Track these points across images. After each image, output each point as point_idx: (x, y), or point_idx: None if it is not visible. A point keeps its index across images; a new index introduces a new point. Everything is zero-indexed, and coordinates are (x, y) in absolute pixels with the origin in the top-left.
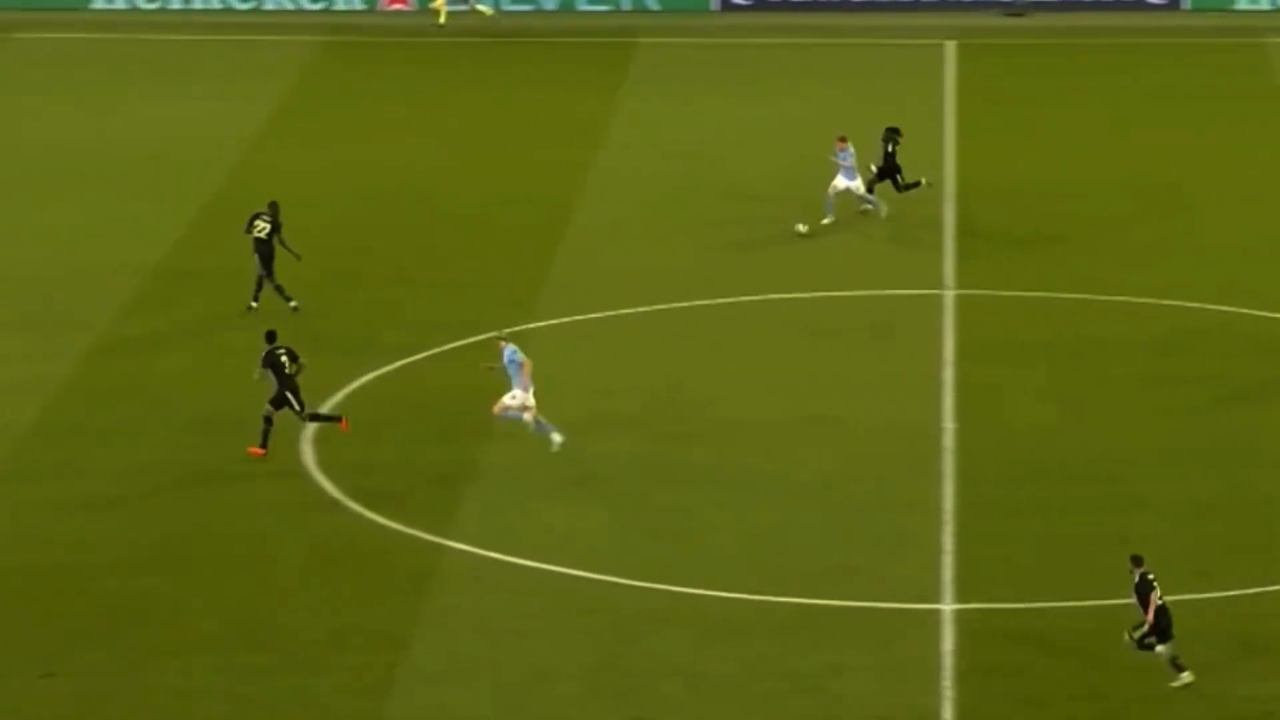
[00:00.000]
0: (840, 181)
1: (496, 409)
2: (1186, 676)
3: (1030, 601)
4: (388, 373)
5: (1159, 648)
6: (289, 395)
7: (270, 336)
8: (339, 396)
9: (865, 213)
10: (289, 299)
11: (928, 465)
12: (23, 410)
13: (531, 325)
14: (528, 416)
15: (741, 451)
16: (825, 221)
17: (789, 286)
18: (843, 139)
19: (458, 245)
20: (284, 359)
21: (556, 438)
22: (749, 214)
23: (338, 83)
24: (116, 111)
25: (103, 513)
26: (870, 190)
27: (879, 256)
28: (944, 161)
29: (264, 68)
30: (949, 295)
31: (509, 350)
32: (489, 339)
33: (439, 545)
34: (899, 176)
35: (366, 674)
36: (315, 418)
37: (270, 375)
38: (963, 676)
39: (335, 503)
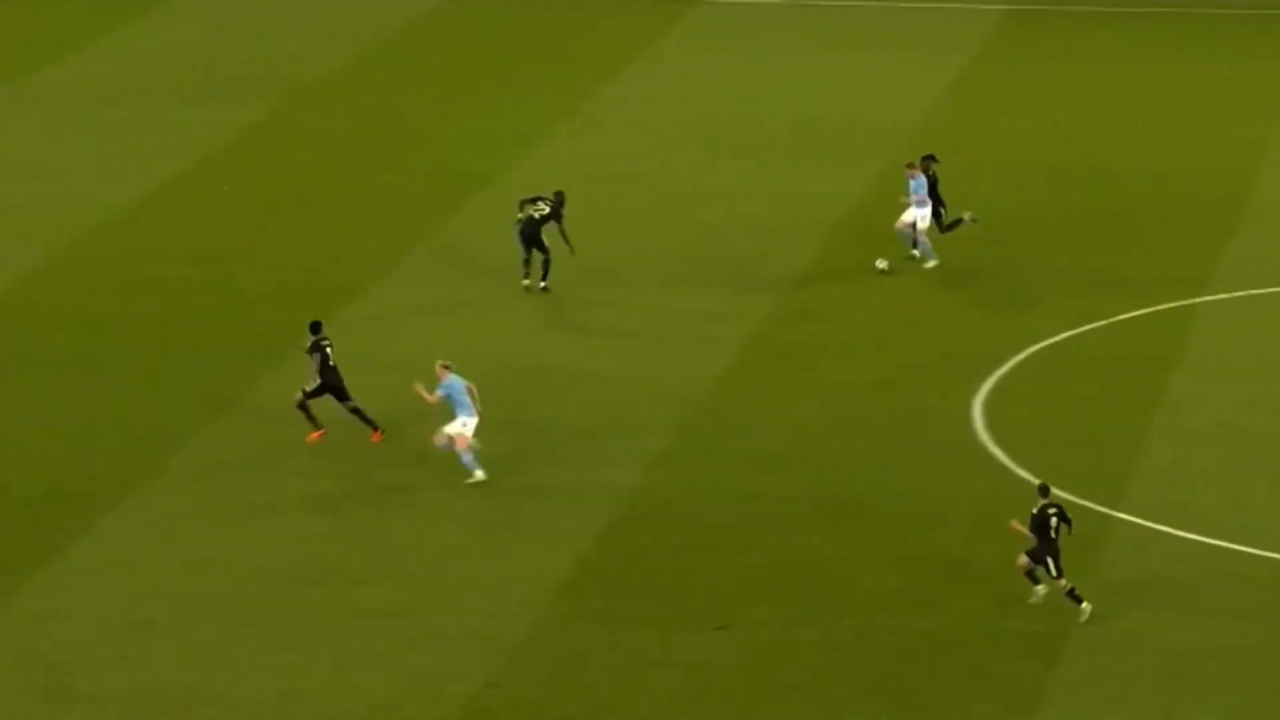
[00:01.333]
0: (910, 214)
1: (439, 440)
2: (1041, 590)
3: None
4: (1058, 341)
5: (1039, 573)
6: (328, 387)
7: (315, 327)
8: (1008, 366)
9: (911, 257)
10: (528, 279)
11: None
12: (706, 366)
13: (1204, 299)
14: (459, 445)
15: None
16: (912, 254)
17: None
18: (911, 166)
19: (1133, 216)
20: (329, 349)
21: (479, 474)
22: None
23: (1021, 51)
24: (805, 76)
25: (778, 470)
26: (945, 227)
27: None
28: None
29: (950, 35)
30: None
31: (450, 379)
32: (440, 363)
33: (1107, 515)
34: (943, 210)
35: (1033, 641)
36: (303, 407)
37: (313, 365)
38: None
39: (1004, 469)
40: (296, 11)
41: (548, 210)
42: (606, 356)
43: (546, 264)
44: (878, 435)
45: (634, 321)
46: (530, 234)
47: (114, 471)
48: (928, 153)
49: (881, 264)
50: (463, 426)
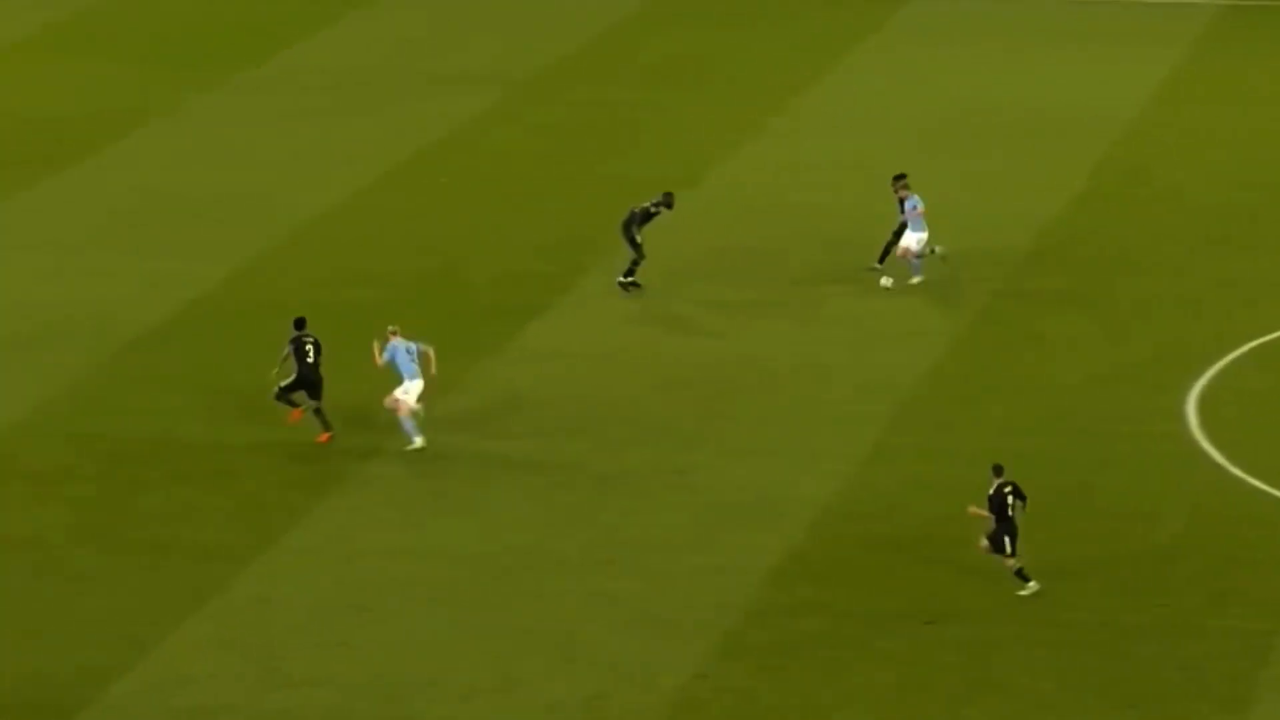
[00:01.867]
0: (908, 238)
1: (388, 402)
2: (1033, 585)
3: None
4: (1273, 339)
5: (1009, 560)
6: (305, 384)
7: (299, 323)
8: (1222, 363)
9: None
10: (632, 277)
11: None
12: (918, 361)
13: None
14: (400, 411)
15: None
16: (914, 281)
17: None
18: (904, 189)
19: None
20: (309, 348)
21: (418, 441)
22: None
23: (1236, 46)
24: (1014, 73)
25: (989, 465)
26: (888, 253)
27: None
28: None
29: (1165, 29)
30: None
31: (395, 342)
32: (390, 328)
33: None
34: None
35: (1244, 639)
36: (279, 399)
37: (293, 361)
38: None
39: (1218, 467)
40: (513, 4)
41: (652, 210)
42: (818, 350)
43: (635, 263)
44: (1091, 432)
45: (845, 314)
46: (629, 231)
47: (330, 458)
48: (899, 173)
49: (886, 281)
50: (404, 393)
